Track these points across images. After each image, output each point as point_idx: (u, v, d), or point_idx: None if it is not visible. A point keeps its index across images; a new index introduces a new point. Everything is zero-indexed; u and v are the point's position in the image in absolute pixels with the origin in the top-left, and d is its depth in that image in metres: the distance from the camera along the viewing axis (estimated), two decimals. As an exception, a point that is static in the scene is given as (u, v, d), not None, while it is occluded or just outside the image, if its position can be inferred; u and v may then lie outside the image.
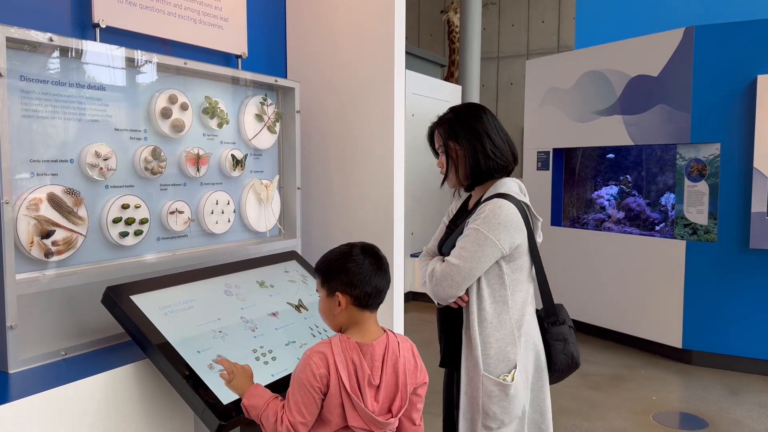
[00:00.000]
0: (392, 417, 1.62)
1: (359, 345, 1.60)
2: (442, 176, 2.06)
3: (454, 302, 1.92)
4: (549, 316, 2.03)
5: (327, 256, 1.68)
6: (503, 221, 1.84)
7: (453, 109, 2.04)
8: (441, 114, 2.06)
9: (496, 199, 1.88)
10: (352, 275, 1.61)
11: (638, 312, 5.04)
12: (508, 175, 2.01)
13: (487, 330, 1.87)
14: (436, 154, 2.08)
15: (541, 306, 2.04)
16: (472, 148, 1.94)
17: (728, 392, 4.21)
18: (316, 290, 1.71)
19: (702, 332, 4.67)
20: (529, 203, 1.96)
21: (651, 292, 4.93)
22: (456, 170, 2.00)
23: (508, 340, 1.88)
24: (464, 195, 2.13)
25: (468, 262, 1.85)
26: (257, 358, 2.01)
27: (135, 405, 1.89)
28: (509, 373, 1.87)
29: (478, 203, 1.95)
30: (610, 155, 5.73)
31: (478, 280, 1.88)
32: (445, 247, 2.02)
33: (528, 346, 1.94)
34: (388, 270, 1.69)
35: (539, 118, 5.87)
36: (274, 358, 2.05)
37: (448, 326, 2.02)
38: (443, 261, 1.93)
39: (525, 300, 1.94)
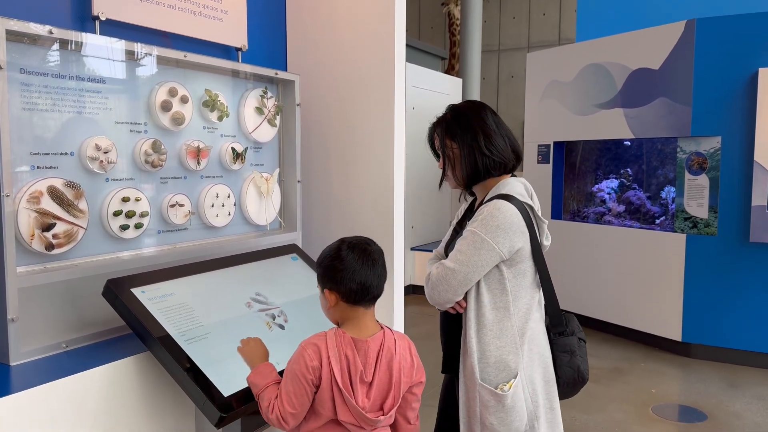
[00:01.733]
0: (383, 415, 1.62)
1: (354, 340, 1.61)
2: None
3: (452, 308, 1.87)
4: (555, 326, 1.94)
5: (322, 252, 1.70)
6: (501, 224, 1.78)
7: (451, 108, 2.00)
8: (440, 114, 2.01)
9: (495, 201, 1.83)
10: (336, 272, 1.62)
11: (638, 305, 5.05)
12: (509, 173, 1.96)
13: (486, 337, 1.80)
14: (437, 155, 2.02)
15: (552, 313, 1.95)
16: (468, 145, 1.89)
17: (727, 385, 4.22)
18: (317, 285, 1.73)
19: (701, 325, 4.68)
20: (533, 205, 1.89)
21: (651, 285, 4.94)
22: (453, 169, 1.94)
23: (509, 349, 1.80)
24: (470, 199, 2.07)
25: (464, 266, 1.79)
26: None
27: (136, 397, 1.90)
28: (508, 382, 1.79)
29: (481, 204, 1.90)
30: (627, 142, 5.65)
31: (478, 285, 1.82)
32: (448, 250, 1.96)
33: (533, 356, 1.85)
34: (379, 263, 1.67)
35: (540, 111, 5.85)
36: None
37: (449, 331, 1.97)
38: (440, 264, 1.87)
39: (529, 307, 1.86)
